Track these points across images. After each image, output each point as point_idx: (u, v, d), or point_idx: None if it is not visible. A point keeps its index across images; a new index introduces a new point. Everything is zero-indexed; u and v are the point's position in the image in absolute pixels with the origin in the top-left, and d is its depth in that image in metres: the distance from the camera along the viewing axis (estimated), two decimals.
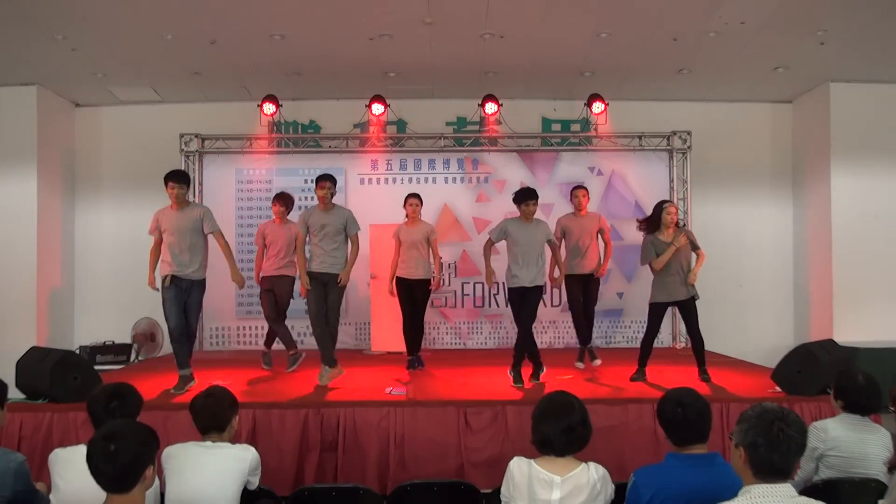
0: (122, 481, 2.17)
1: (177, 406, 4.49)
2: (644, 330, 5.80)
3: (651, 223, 5.68)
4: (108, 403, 2.95)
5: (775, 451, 2.05)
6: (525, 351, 5.55)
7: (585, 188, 6.47)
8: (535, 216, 5.65)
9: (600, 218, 6.47)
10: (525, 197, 5.56)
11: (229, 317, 8.22)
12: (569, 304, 6.53)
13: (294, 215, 6.59)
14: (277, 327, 6.38)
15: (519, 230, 5.57)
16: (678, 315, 8.25)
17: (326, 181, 5.48)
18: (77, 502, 2.66)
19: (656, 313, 5.67)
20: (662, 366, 6.22)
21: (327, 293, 5.50)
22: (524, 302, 5.52)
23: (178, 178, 5.30)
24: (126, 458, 2.15)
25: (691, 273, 5.55)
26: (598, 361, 6.33)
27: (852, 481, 3.00)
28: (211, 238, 5.38)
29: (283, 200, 6.59)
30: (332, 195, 5.52)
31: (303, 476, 4.49)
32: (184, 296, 5.23)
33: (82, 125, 8.59)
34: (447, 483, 3.26)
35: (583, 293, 6.31)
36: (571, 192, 6.49)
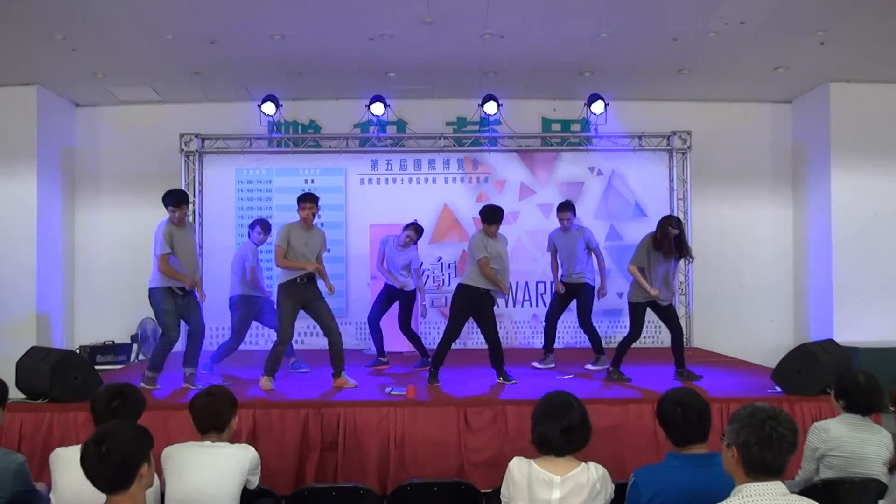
0: (117, 482, 2.18)
1: (177, 406, 4.49)
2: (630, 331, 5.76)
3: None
4: (110, 402, 2.95)
5: (768, 450, 2.07)
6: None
7: (571, 208, 6.38)
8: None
9: (583, 232, 6.44)
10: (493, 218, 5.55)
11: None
12: (548, 309, 6.60)
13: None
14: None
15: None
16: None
17: (307, 201, 5.43)
18: (77, 502, 2.67)
19: (637, 313, 5.65)
20: (662, 366, 6.22)
21: (317, 309, 5.47)
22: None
23: (186, 200, 5.37)
24: (118, 458, 2.16)
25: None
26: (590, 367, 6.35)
27: (852, 481, 3.00)
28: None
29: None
30: (314, 215, 5.48)
31: (303, 476, 4.49)
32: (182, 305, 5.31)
33: (82, 125, 8.59)
34: (447, 483, 3.26)
35: (577, 303, 6.40)
36: (557, 210, 6.44)
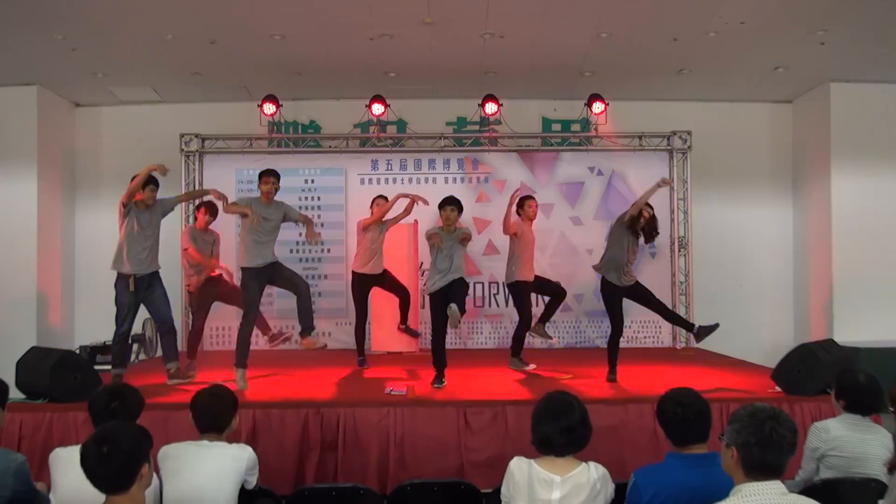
0: (118, 482, 2.18)
1: (177, 406, 4.49)
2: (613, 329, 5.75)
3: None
4: (108, 403, 2.95)
5: (768, 451, 2.07)
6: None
7: (535, 199, 6.36)
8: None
9: None
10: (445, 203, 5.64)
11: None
12: (525, 312, 6.34)
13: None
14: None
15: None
16: None
17: (270, 176, 5.51)
18: (77, 502, 2.66)
19: (613, 306, 5.66)
20: (662, 366, 6.22)
21: (281, 275, 5.54)
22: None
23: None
24: (119, 458, 2.16)
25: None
26: (532, 366, 6.23)
27: (852, 481, 2.99)
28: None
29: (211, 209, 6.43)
30: (276, 190, 5.55)
31: (303, 476, 4.48)
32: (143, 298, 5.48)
33: (82, 125, 8.60)
34: (447, 483, 3.26)
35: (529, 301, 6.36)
36: (525, 201, 6.29)
